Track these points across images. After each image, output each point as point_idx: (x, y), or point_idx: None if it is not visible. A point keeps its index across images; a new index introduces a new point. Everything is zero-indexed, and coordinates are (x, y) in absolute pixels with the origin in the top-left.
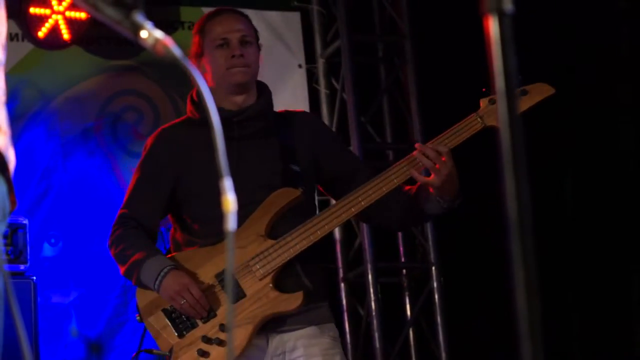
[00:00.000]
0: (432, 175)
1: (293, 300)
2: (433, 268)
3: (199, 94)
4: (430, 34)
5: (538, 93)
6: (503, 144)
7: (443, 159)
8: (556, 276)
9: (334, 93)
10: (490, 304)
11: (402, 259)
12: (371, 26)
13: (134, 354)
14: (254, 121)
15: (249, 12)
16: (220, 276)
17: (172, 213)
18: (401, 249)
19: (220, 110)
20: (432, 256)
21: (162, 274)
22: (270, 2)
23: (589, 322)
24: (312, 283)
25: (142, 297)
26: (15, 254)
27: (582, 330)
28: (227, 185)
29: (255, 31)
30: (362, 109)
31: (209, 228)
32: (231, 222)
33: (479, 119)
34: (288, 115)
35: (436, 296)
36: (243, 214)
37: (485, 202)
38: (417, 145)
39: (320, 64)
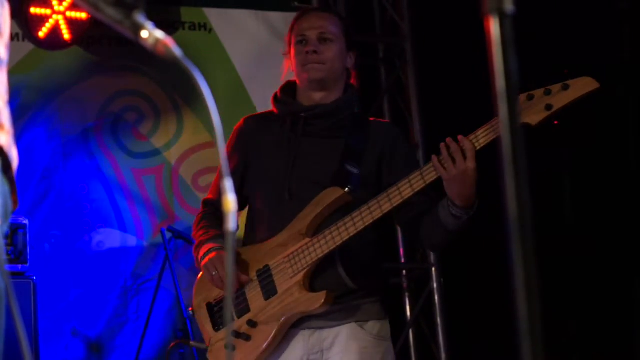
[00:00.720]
0: (447, 167)
1: (316, 300)
2: (433, 269)
3: (284, 90)
4: (431, 35)
5: (581, 87)
6: (504, 145)
7: (461, 155)
8: (556, 277)
9: None
10: (490, 305)
11: (402, 260)
12: (372, 27)
13: (173, 344)
14: (322, 120)
15: (250, 13)
16: (260, 272)
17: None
18: (401, 250)
19: (294, 104)
20: (432, 257)
21: (210, 251)
22: (271, 3)
23: (589, 323)
24: (354, 281)
25: (197, 294)
26: (15, 254)
27: (582, 331)
28: (228, 186)
29: (345, 30)
30: (362, 110)
31: (265, 224)
32: (231, 223)
33: None
34: (370, 122)
35: (436, 297)
36: (295, 211)
37: (486, 203)
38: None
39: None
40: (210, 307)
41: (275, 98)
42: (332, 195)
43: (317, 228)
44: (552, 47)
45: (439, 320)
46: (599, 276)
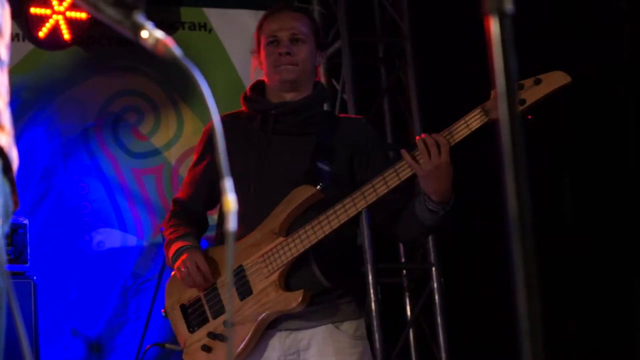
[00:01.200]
0: (421, 163)
1: (293, 299)
2: (433, 269)
3: (254, 89)
4: (430, 34)
5: (553, 82)
6: (504, 143)
7: (437, 149)
8: (557, 277)
9: (335, 94)
10: (490, 305)
11: (402, 260)
12: (372, 27)
13: (147, 347)
14: (292, 116)
15: (250, 13)
16: (234, 272)
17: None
18: (401, 249)
19: (264, 102)
20: (432, 257)
21: (180, 250)
22: (271, 3)
23: (589, 323)
24: (329, 280)
25: (169, 294)
26: (15, 254)
27: (582, 331)
28: (227, 186)
29: (314, 30)
30: (362, 110)
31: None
32: (231, 222)
33: (482, 113)
34: (341, 119)
35: (436, 297)
36: (267, 209)
37: (485, 203)
38: (423, 134)
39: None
40: (184, 308)
41: (245, 97)
42: (303, 193)
43: (290, 226)
44: (551, 48)
45: (439, 320)
46: (599, 276)
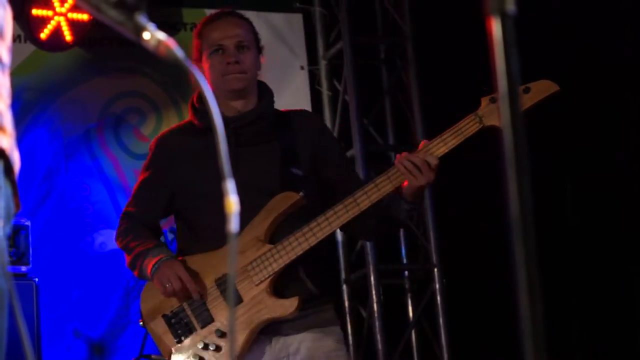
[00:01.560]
0: (410, 180)
1: (288, 306)
2: (435, 270)
3: (201, 99)
4: (432, 35)
5: (541, 90)
6: (506, 145)
7: (429, 169)
8: (558, 278)
9: (336, 95)
10: (492, 306)
11: (404, 261)
12: (373, 28)
13: (134, 359)
14: (252, 126)
15: (251, 14)
16: (219, 281)
17: (176, 217)
18: (403, 250)
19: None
20: (434, 258)
21: (158, 262)
22: (272, 4)
23: (591, 323)
24: (316, 286)
25: (145, 303)
26: (17, 255)
27: (585, 332)
28: (230, 187)
29: (255, 34)
30: (364, 111)
31: (210, 234)
32: (234, 224)
33: (477, 120)
34: (289, 115)
35: (438, 298)
36: (244, 220)
37: (487, 204)
38: (403, 154)
39: (323, 65)
40: (167, 318)
41: (195, 109)
42: (287, 200)
43: (274, 234)
44: (553, 50)
45: (441, 321)
46: (601, 277)
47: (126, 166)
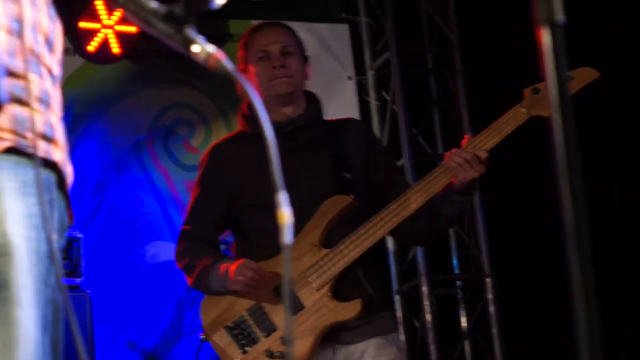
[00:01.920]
0: (461, 175)
1: (352, 308)
2: (487, 279)
3: (251, 108)
4: (479, 44)
5: (583, 78)
6: (558, 153)
7: (479, 162)
8: (613, 283)
9: (384, 105)
10: (546, 314)
11: (456, 271)
12: (420, 37)
13: None
14: (303, 131)
15: (297, 25)
16: (277, 290)
17: (232, 228)
18: (455, 260)
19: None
20: (486, 267)
21: (226, 267)
22: (319, 14)
23: None
24: (375, 291)
25: (205, 316)
26: (70, 268)
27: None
28: (282, 199)
29: (300, 42)
30: (412, 121)
31: (266, 242)
32: (287, 235)
33: (523, 110)
34: (337, 123)
35: (491, 308)
36: (297, 226)
37: (539, 211)
38: (453, 150)
39: (370, 75)
40: (229, 329)
41: (245, 117)
42: (339, 203)
43: (327, 238)
44: (600, 50)
45: (494, 331)
46: None
47: (177, 178)
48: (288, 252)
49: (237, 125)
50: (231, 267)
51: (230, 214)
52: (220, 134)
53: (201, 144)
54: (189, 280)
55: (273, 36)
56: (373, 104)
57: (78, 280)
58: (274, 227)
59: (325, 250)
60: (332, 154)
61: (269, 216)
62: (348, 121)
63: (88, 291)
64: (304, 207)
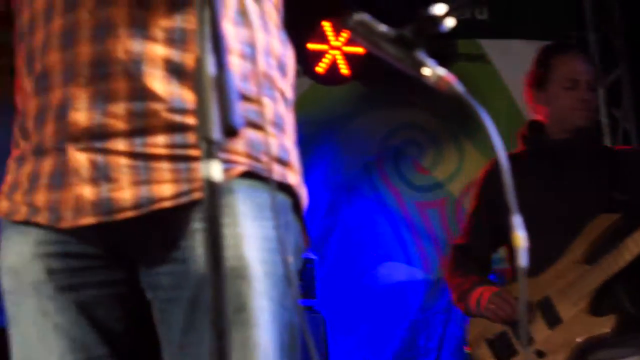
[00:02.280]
0: None
1: (605, 324)
2: None
3: (531, 128)
4: None
5: None
6: None
7: None
8: None
9: (615, 122)
10: None
11: None
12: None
13: None
14: (581, 151)
15: (523, 43)
16: (540, 303)
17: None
18: None
19: (549, 141)
20: None
21: (480, 294)
22: (546, 32)
23: None
24: (634, 308)
25: (470, 330)
26: (304, 289)
27: None
28: (517, 222)
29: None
30: None
31: (531, 259)
32: (523, 258)
33: None
34: (617, 149)
35: None
36: (566, 242)
37: None
38: None
39: (601, 92)
40: (489, 342)
41: (524, 137)
42: (605, 222)
43: (591, 255)
44: None
45: None
46: None
47: (408, 198)
48: (523, 276)
49: (468, 149)
50: (485, 294)
51: (501, 234)
52: (451, 156)
53: (431, 165)
54: (453, 296)
55: (581, 65)
56: (604, 121)
57: (312, 301)
58: (540, 246)
59: (586, 267)
60: (608, 173)
61: (535, 234)
62: (630, 150)
63: (322, 312)
64: (577, 223)
